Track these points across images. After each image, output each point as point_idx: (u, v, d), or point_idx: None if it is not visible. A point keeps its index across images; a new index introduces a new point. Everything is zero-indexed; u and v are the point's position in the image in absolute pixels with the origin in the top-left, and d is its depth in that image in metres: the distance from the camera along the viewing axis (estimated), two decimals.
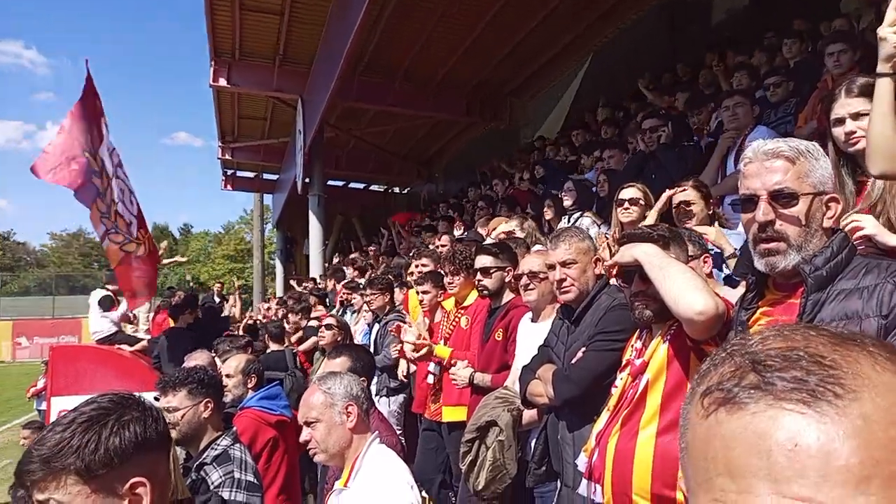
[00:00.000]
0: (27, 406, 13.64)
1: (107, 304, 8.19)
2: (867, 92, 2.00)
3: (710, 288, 1.86)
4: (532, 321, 3.27)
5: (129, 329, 9.18)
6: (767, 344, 0.51)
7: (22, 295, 54.00)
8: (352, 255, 12.76)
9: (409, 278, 5.96)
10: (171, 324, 7.89)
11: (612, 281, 2.76)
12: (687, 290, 1.82)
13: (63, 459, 1.19)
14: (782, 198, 1.56)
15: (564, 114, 13.11)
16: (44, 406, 8.75)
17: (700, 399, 0.51)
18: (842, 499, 0.43)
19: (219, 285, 14.93)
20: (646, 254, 2.01)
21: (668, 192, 3.40)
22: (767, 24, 7.53)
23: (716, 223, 3.22)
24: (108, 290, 8.38)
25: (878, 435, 0.45)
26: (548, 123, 13.75)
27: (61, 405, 6.26)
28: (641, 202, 3.63)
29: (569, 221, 4.81)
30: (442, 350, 4.16)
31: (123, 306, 8.55)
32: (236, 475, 2.46)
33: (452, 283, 4.30)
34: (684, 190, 3.38)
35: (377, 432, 2.44)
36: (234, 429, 2.81)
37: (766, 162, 1.59)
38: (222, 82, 14.05)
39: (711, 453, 0.48)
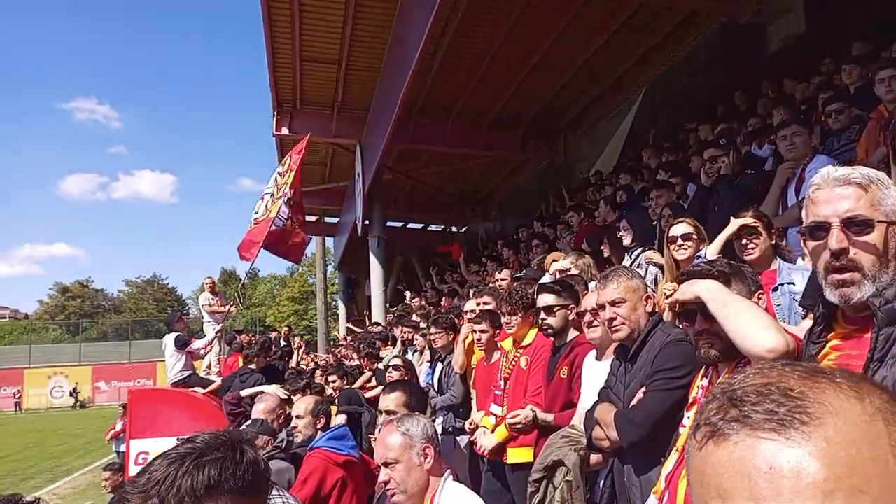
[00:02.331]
0: (107, 448, 14.19)
1: (182, 342, 8.56)
2: None
3: (777, 324, 1.84)
4: (597, 359, 3.25)
5: (202, 372, 9.52)
6: (747, 382, 0.58)
7: (100, 340, 56.61)
8: (414, 300, 12.88)
9: (466, 316, 5.97)
10: (241, 364, 8.18)
11: (666, 317, 2.74)
12: (754, 327, 1.78)
13: (149, 492, 1.25)
14: (856, 225, 1.49)
15: (619, 148, 13.05)
16: (122, 448, 9.11)
17: (693, 434, 0.59)
18: None
19: (286, 329, 15.29)
20: (708, 290, 1.97)
21: (737, 221, 3.33)
22: (824, 50, 7.40)
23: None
24: (176, 330, 8.78)
25: (840, 454, 0.51)
26: (604, 158, 13.71)
27: (140, 447, 6.53)
28: (695, 237, 3.58)
29: (630, 257, 4.77)
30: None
31: (196, 344, 8.95)
32: None
33: (510, 322, 4.28)
34: (748, 219, 3.31)
35: (450, 471, 2.48)
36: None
37: (838, 188, 1.53)
38: (284, 131, 14.68)
39: (705, 480, 0.56)
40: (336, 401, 6.03)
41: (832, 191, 1.53)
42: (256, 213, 8.96)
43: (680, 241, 3.59)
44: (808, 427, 0.53)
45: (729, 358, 1.99)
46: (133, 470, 6.39)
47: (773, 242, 3.25)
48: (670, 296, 2.28)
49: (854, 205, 1.50)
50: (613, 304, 2.69)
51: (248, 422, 4.95)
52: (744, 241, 3.25)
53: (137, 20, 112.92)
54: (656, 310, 2.79)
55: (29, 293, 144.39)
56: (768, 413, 0.54)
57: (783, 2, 9.19)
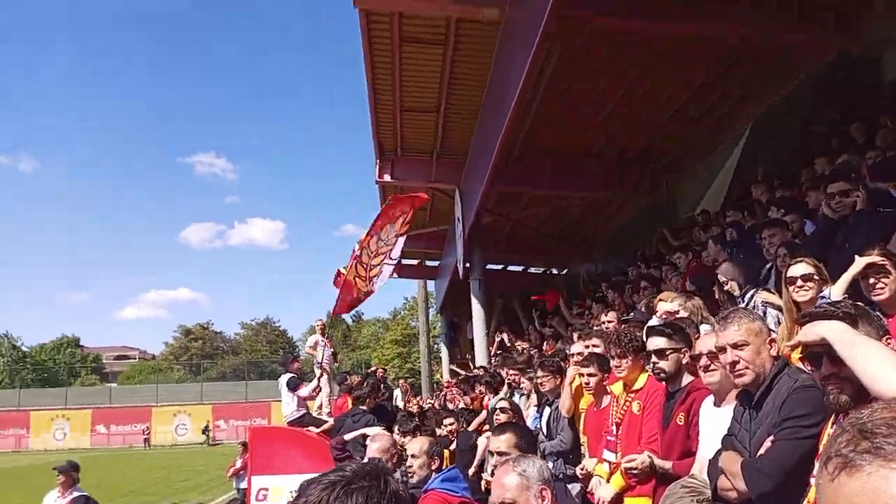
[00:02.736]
0: (227, 485, 14.89)
1: (293, 384, 8.97)
2: None
3: None
4: (715, 405, 3.15)
5: (314, 411, 9.90)
6: (875, 415, 0.61)
7: (219, 380, 59.86)
8: (518, 343, 12.86)
9: (573, 359, 5.91)
10: (351, 405, 8.46)
11: (796, 363, 2.64)
12: (886, 369, 1.70)
13: None
14: None
15: (726, 187, 12.58)
16: (242, 485, 9.56)
17: (824, 466, 0.62)
18: None
19: (381, 370, 15.59)
20: (834, 332, 1.90)
21: (863, 259, 3.17)
22: None
23: None
24: (290, 371, 9.22)
25: None
26: (709, 196, 13.25)
27: (261, 483, 6.85)
28: (816, 277, 3.43)
29: (743, 300, 4.60)
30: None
31: (307, 388, 9.34)
32: None
33: (621, 366, 4.22)
34: (875, 257, 3.15)
35: None
36: None
37: None
38: (387, 178, 15.26)
39: None
40: (456, 443, 6.08)
41: None
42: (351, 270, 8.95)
43: (800, 282, 3.44)
44: None
45: (861, 402, 1.88)
46: None
47: None
48: (792, 339, 2.21)
49: None
50: (735, 346, 2.59)
51: (361, 463, 5.12)
52: (871, 281, 3.10)
53: (251, 79, 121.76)
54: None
55: (155, 335, 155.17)
56: None
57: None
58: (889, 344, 2.07)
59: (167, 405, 45.88)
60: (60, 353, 72.79)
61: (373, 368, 12.54)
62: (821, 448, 2.12)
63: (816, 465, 2.08)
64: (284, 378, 9.21)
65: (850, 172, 6.01)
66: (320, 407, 10.80)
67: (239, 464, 11.85)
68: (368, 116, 13.27)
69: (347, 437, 6.88)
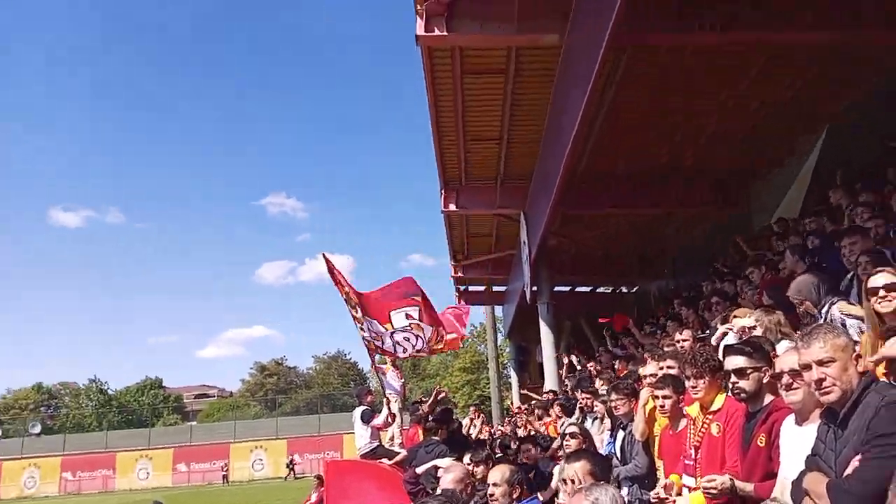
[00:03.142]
0: None
1: (367, 416, 9.04)
2: None
3: None
4: (797, 424, 3.00)
5: (386, 442, 9.95)
6: None
7: (293, 414, 61.05)
8: (590, 364, 12.63)
9: (646, 381, 5.76)
10: (422, 436, 8.45)
11: (881, 377, 2.49)
12: None
13: None
14: None
15: (803, 193, 12.06)
16: None
17: None
18: None
19: (444, 392, 15.30)
20: None
21: None
22: None
23: None
24: (364, 403, 9.28)
25: None
26: (785, 205, 12.73)
27: None
28: None
29: (819, 313, 4.37)
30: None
31: (380, 418, 9.39)
32: None
33: (696, 387, 4.08)
34: None
35: None
36: None
37: None
38: (452, 207, 15.42)
39: None
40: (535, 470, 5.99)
41: None
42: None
43: (882, 293, 3.27)
44: None
45: None
46: None
47: None
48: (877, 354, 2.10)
49: None
50: (821, 363, 2.49)
51: (434, 495, 5.09)
52: None
53: (318, 117, 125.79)
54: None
55: (233, 373, 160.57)
56: None
57: None
58: None
59: (244, 441, 47.03)
60: (144, 395, 76.02)
61: (437, 393, 12.47)
62: None
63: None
64: (358, 411, 9.29)
65: None
66: (392, 438, 10.84)
67: (314, 498, 11.98)
68: (433, 148, 13.48)
69: (420, 469, 6.87)
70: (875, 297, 3.31)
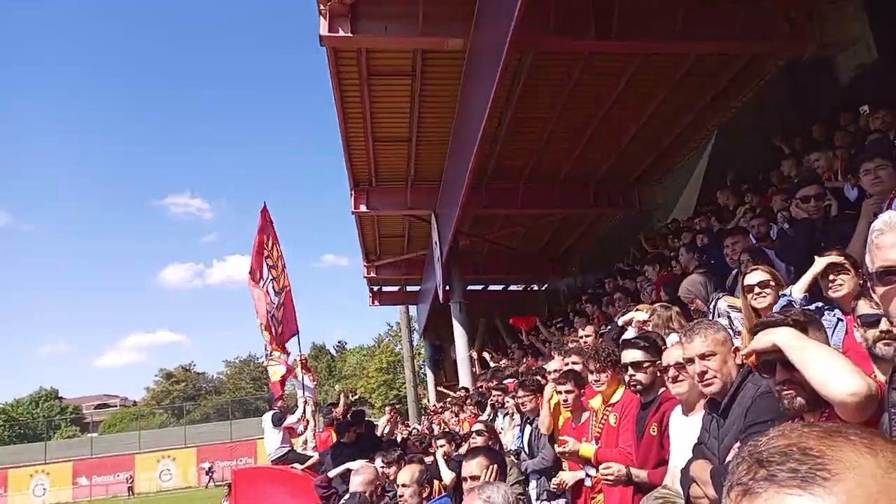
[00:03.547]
0: None
1: (278, 419, 8.85)
2: None
3: (858, 368, 1.81)
4: (683, 414, 3.20)
5: (298, 447, 9.77)
6: (771, 443, 0.65)
7: (203, 422, 58.78)
8: (502, 361, 12.87)
9: (550, 376, 5.92)
10: (334, 438, 8.37)
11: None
12: (835, 372, 1.76)
13: None
14: None
15: (696, 193, 12.82)
16: None
17: (728, 494, 0.66)
18: None
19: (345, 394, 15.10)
20: (785, 338, 1.96)
21: (824, 259, 3.25)
22: None
23: None
24: (274, 408, 9.09)
25: None
26: (680, 204, 13.49)
27: None
28: (772, 283, 3.50)
29: (709, 308, 4.66)
30: (587, 449, 4.11)
31: (289, 419, 9.22)
32: None
33: (599, 380, 4.27)
34: (834, 257, 3.24)
35: None
36: None
37: None
38: (363, 208, 15.29)
39: None
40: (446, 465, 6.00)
41: None
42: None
43: (757, 290, 3.52)
44: (829, 482, 0.59)
45: (816, 407, 1.95)
46: None
47: (861, 282, 3.15)
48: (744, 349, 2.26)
49: None
50: (703, 357, 2.65)
51: (344, 499, 5.05)
52: (830, 277, 3.18)
53: (221, 115, 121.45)
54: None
55: (136, 381, 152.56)
56: (792, 471, 0.61)
57: (848, 33, 8.98)
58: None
59: (150, 451, 44.85)
60: (38, 407, 71.02)
61: (346, 394, 12.37)
62: None
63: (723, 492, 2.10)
64: (268, 415, 9.09)
65: (817, 176, 6.08)
66: (305, 442, 10.67)
67: None
68: (342, 149, 13.33)
69: (331, 473, 6.82)
70: (751, 294, 3.55)
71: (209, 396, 73.76)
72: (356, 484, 4.72)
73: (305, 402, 9.99)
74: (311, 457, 8.72)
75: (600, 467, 3.75)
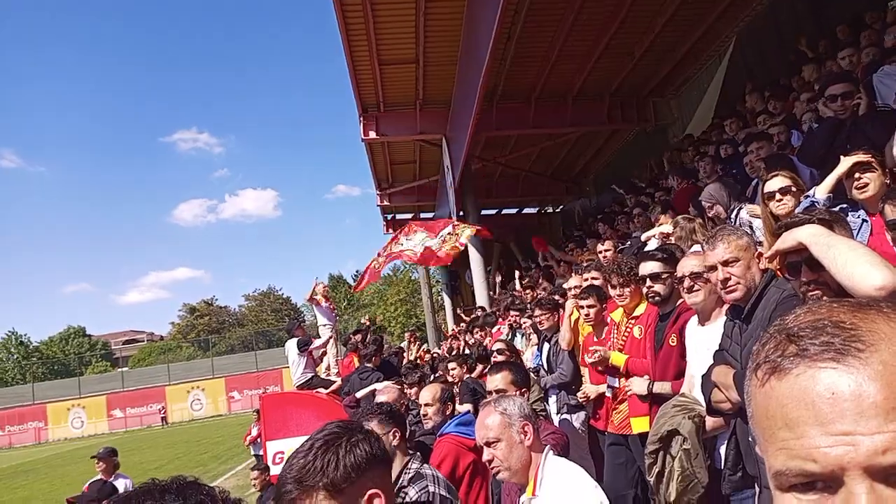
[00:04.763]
0: (246, 453, 15.21)
1: (303, 344, 9.04)
2: None
3: (885, 261, 1.74)
4: (699, 324, 3.19)
5: (322, 373, 10.02)
6: (799, 319, 0.63)
7: (229, 353, 60.49)
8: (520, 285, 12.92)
9: (571, 292, 5.91)
10: (357, 363, 8.56)
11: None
12: (862, 265, 1.70)
13: (312, 478, 1.39)
14: None
15: (713, 105, 12.43)
16: (260, 451, 9.73)
17: (754, 372, 0.64)
18: (878, 427, 0.55)
19: (367, 321, 15.32)
20: (811, 234, 1.90)
21: (850, 158, 3.13)
22: None
23: None
24: (297, 336, 9.27)
25: None
26: (697, 118, 13.11)
27: (276, 448, 6.99)
28: (793, 189, 3.39)
29: (731, 218, 4.57)
30: (617, 357, 4.15)
31: (315, 343, 9.44)
32: (431, 489, 2.67)
33: (622, 294, 4.26)
34: (860, 156, 3.11)
35: (549, 445, 2.56)
36: (418, 453, 3.04)
37: None
38: (372, 135, 15.06)
39: (770, 413, 0.60)
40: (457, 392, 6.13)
41: None
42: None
43: (778, 196, 3.41)
44: (864, 353, 0.57)
45: None
46: (274, 469, 6.84)
47: (888, 181, 3.04)
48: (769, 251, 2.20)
49: None
50: (726, 264, 2.60)
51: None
52: (856, 177, 3.07)
53: (225, 51, 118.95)
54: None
55: (161, 317, 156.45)
56: (825, 345, 0.59)
57: None
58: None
59: (180, 383, 46.50)
60: (69, 344, 73.34)
61: (364, 322, 12.67)
62: None
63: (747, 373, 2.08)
64: (292, 342, 9.25)
65: (847, 74, 5.80)
66: (328, 368, 10.93)
67: (255, 431, 12.05)
68: (348, 74, 13.02)
69: (359, 394, 6.99)
70: (772, 201, 3.44)
71: (233, 329, 75.60)
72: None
73: (332, 334, 10.20)
74: (334, 382, 8.95)
75: (627, 383, 3.80)
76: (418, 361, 11.71)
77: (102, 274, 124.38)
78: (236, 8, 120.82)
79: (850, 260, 1.74)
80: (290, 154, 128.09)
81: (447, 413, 4.12)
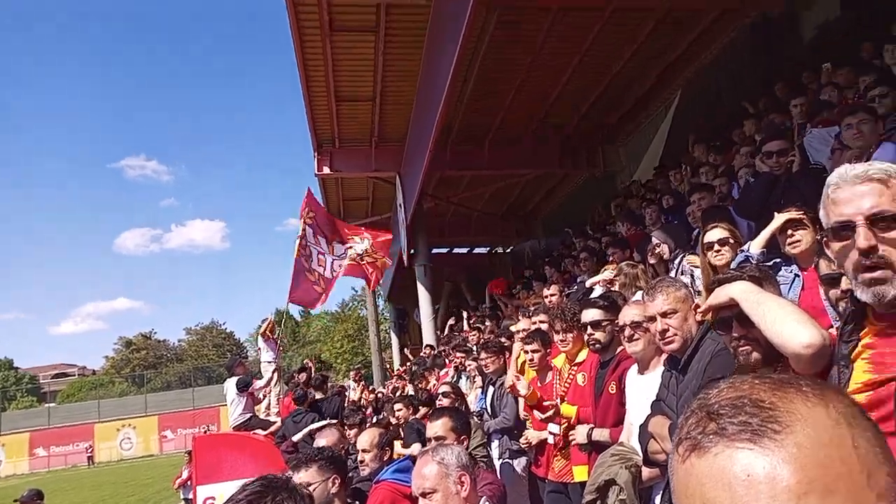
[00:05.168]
0: (175, 496, 14.51)
1: (243, 384, 8.74)
2: None
3: (813, 320, 1.78)
4: (639, 373, 3.22)
5: (261, 413, 9.69)
6: (721, 395, 0.62)
7: (164, 390, 58.10)
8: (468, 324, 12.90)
9: (518, 336, 5.91)
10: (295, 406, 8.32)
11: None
12: (790, 323, 1.72)
13: None
14: (882, 221, 1.45)
15: (658, 154, 12.87)
16: (190, 495, 9.29)
17: (676, 448, 0.63)
18: None
19: (310, 362, 15.04)
20: (742, 291, 1.92)
21: (783, 215, 3.25)
22: (862, 33, 7.19)
23: None
24: (237, 374, 8.98)
25: (810, 458, 0.55)
26: (643, 166, 13.53)
27: (206, 493, 6.62)
28: (731, 241, 3.50)
29: (673, 264, 4.67)
30: (568, 409, 4.12)
31: (256, 384, 9.13)
32: None
33: (565, 340, 4.27)
34: (793, 213, 3.23)
35: (485, 497, 2.50)
36: (357, 502, 2.93)
37: (858, 186, 1.49)
38: (326, 170, 15.01)
39: (690, 491, 0.59)
40: (402, 433, 5.99)
41: (853, 189, 1.50)
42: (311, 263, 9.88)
43: (717, 247, 3.52)
44: (779, 435, 0.57)
45: (771, 362, 1.92)
46: None
47: (820, 237, 3.15)
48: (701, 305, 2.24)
49: (877, 201, 1.46)
50: (664, 315, 2.66)
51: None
52: (789, 233, 3.18)
53: (178, 76, 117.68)
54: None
55: (95, 349, 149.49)
56: (743, 424, 0.58)
57: None
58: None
59: (110, 420, 44.32)
60: None
61: (307, 362, 12.44)
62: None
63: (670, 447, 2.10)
64: (231, 381, 8.95)
65: (783, 132, 6.06)
66: (268, 407, 10.59)
67: (185, 474, 11.54)
68: (304, 109, 13.01)
69: (295, 438, 6.77)
70: (710, 252, 3.54)
71: (170, 364, 72.85)
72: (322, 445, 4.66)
73: (275, 370, 9.89)
74: (273, 422, 8.67)
75: (571, 433, 3.79)
76: (363, 402, 11.49)
77: (36, 302, 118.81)
78: (193, 35, 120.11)
79: (778, 317, 1.76)
80: (241, 185, 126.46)
81: (384, 459, 4.01)
